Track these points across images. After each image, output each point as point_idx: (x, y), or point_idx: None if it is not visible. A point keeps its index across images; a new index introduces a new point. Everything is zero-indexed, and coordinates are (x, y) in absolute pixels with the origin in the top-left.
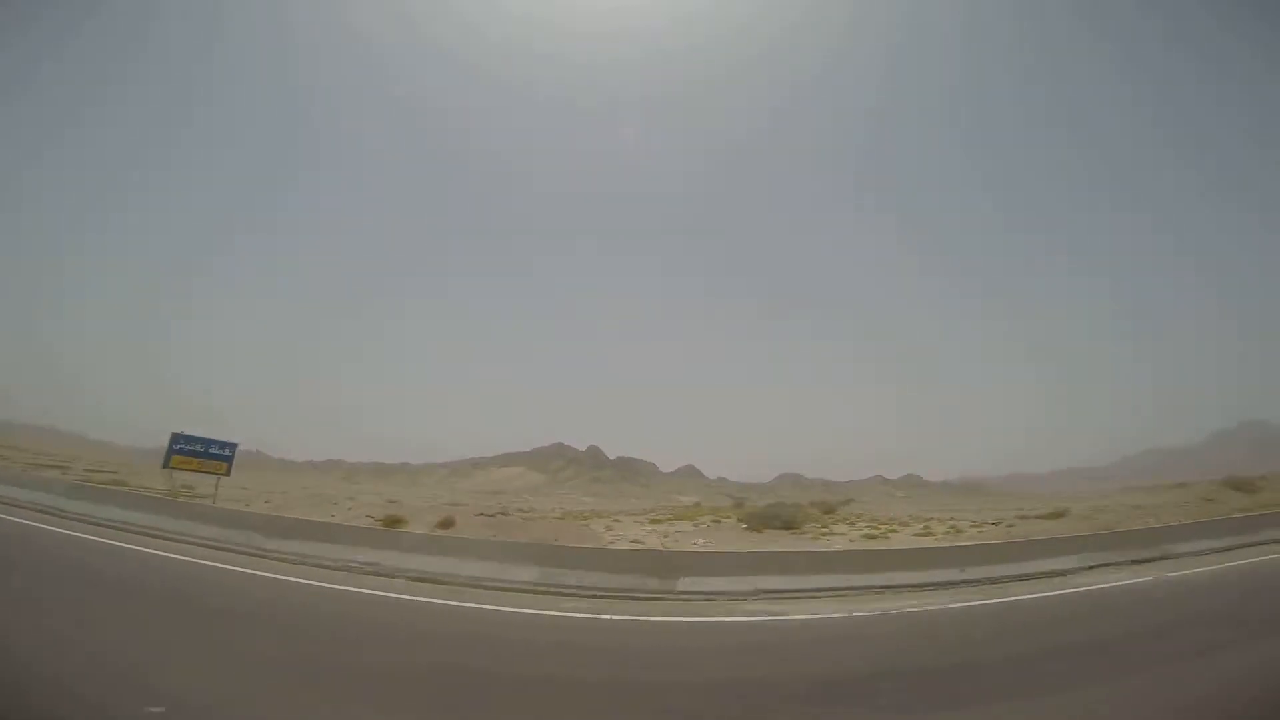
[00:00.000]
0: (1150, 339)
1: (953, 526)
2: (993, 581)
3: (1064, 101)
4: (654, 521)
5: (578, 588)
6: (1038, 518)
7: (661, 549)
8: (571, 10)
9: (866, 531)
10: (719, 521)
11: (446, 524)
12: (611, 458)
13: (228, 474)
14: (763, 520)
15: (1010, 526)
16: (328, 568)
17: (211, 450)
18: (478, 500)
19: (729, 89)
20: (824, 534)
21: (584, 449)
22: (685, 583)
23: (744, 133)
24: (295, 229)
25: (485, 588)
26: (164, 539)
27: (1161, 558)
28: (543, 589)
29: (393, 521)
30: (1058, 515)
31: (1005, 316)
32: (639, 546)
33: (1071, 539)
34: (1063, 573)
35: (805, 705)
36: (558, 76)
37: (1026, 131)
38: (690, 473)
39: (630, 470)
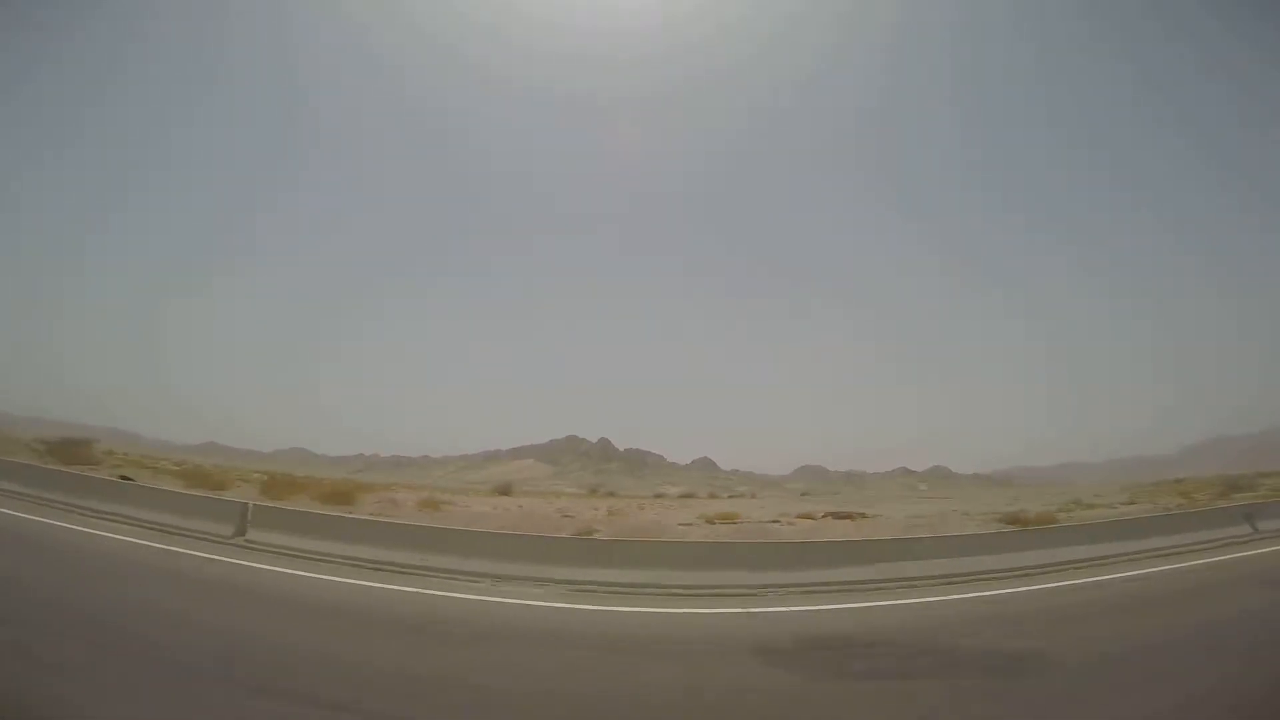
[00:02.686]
0: (1211, 326)
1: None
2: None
3: (1075, 101)
4: None
5: None
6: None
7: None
8: (572, 9)
9: None
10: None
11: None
12: (621, 450)
13: None
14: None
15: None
16: None
17: None
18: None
19: (740, 86)
20: None
21: (595, 442)
22: None
23: (758, 130)
24: (306, 227)
25: None
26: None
27: None
28: None
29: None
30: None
31: (1048, 310)
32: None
33: None
34: None
35: None
36: (569, 76)
37: (1040, 131)
38: (705, 465)
39: (638, 462)
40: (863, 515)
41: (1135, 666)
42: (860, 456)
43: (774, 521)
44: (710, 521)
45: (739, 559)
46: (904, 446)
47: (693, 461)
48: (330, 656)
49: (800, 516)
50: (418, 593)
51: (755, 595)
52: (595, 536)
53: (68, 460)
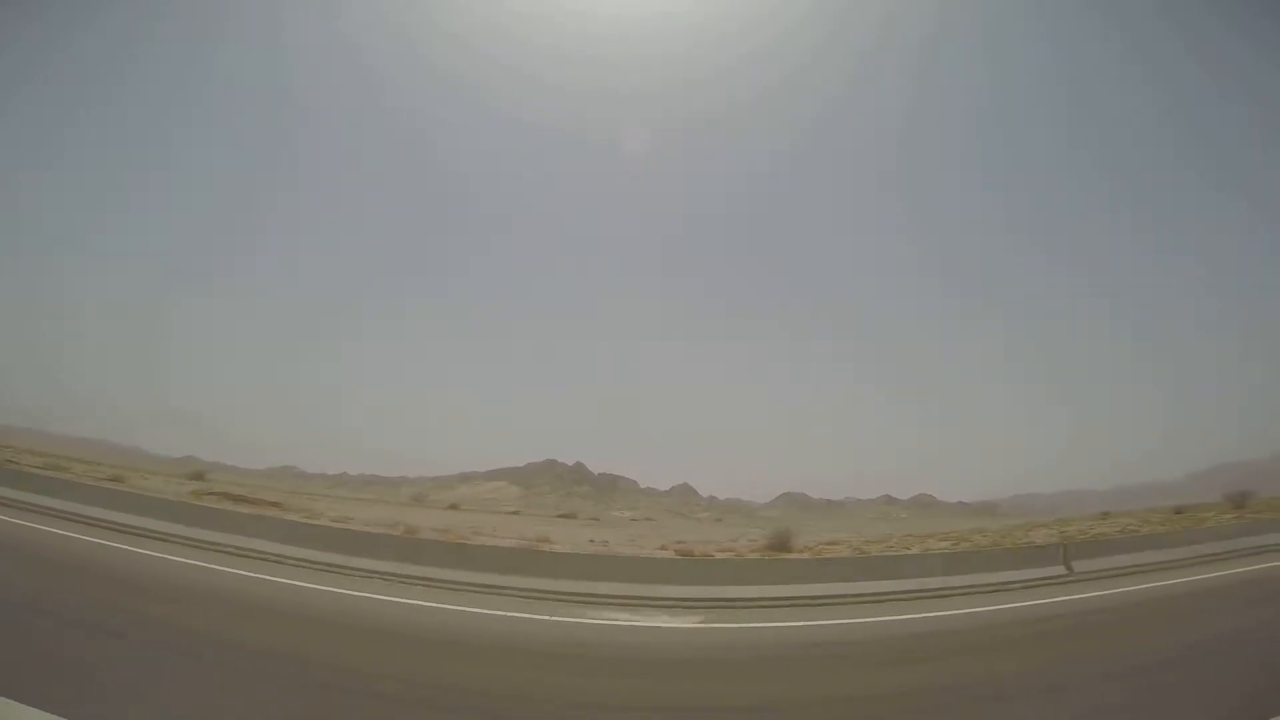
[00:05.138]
0: (1219, 349)
1: None
2: None
3: (1082, 114)
4: None
5: None
6: None
7: None
8: (580, 36)
9: None
10: None
11: None
12: (595, 475)
13: None
14: None
15: None
16: None
17: None
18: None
19: (747, 104)
20: None
21: (571, 465)
22: None
23: (752, 145)
24: (304, 229)
25: None
26: None
27: None
28: None
29: None
30: None
31: (1048, 332)
32: None
33: None
34: None
35: None
36: (555, 93)
37: (1040, 141)
38: (684, 491)
39: (610, 487)
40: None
41: None
42: (846, 484)
43: None
44: None
45: None
46: (894, 473)
47: (671, 488)
48: None
49: None
50: None
51: None
52: None
53: None
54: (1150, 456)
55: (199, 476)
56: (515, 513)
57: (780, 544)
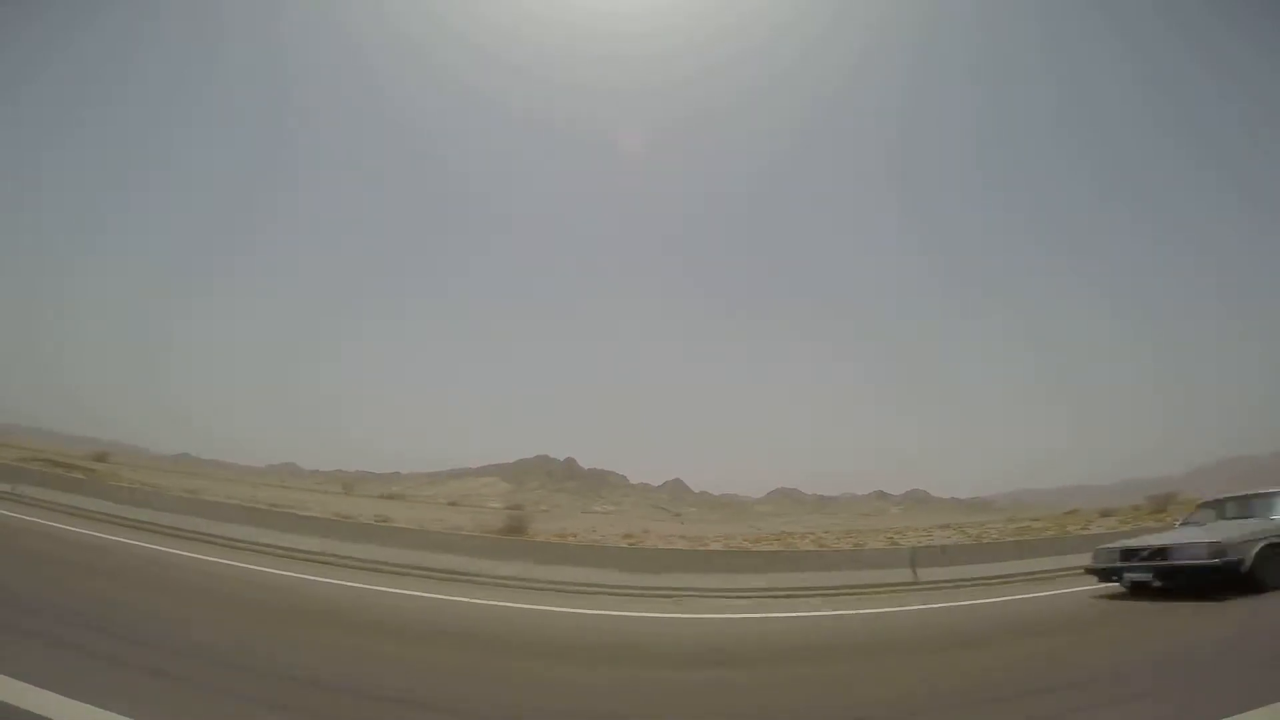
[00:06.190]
0: (1225, 342)
1: None
2: None
3: (1079, 110)
4: None
5: None
6: None
7: None
8: (581, 33)
9: None
10: None
11: None
12: (585, 470)
13: None
14: None
15: None
16: None
17: None
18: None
19: (745, 105)
20: None
21: (562, 461)
22: None
23: (749, 146)
24: (305, 229)
25: None
26: None
27: None
28: None
29: None
30: None
31: (1048, 326)
32: None
33: None
34: None
35: None
36: (555, 92)
37: (1041, 140)
38: (676, 486)
39: (598, 481)
40: None
41: None
42: (842, 480)
43: None
44: None
45: None
46: (890, 469)
47: (663, 483)
48: None
49: None
50: None
51: None
52: None
53: None
54: (1157, 451)
55: (101, 459)
56: (453, 504)
57: (515, 528)
